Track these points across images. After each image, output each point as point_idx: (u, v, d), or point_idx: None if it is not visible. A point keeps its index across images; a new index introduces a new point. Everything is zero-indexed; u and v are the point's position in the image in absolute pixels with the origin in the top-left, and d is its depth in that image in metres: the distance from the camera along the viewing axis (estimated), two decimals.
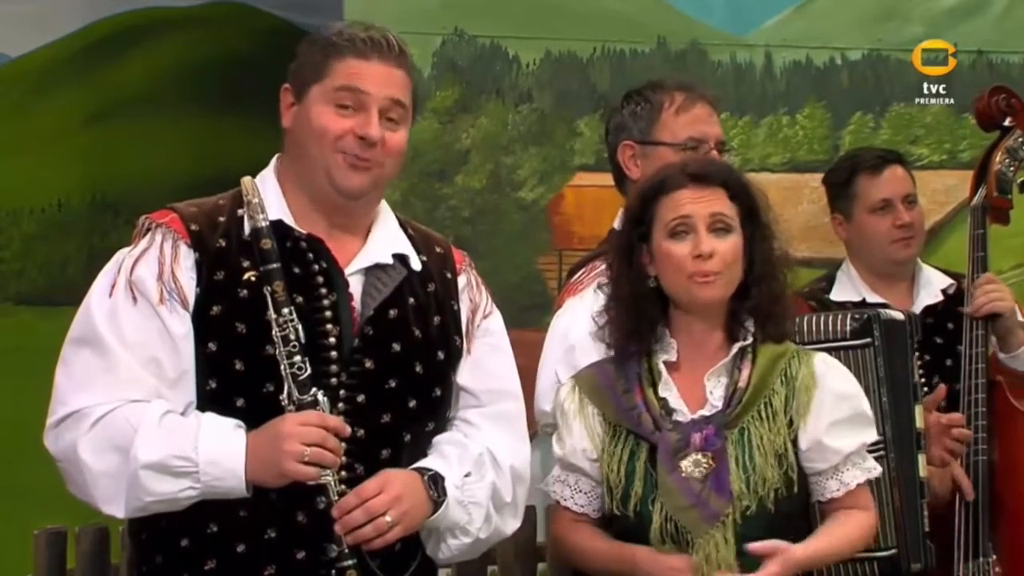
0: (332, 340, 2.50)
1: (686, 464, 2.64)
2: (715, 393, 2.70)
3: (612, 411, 2.73)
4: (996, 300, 3.43)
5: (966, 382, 3.43)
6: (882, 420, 2.98)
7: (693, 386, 2.71)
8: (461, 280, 2.70)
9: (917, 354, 3.29)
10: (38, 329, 5.21)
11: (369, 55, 2.53)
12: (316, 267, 2.53)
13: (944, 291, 3.64)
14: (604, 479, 2.72)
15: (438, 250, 2.70)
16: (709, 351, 2.73)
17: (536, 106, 4.75)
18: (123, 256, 2.56)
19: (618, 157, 3.27)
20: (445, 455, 2.57)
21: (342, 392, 2.50)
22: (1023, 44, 4.87)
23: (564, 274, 3.64)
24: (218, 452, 2.40)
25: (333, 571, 2.44)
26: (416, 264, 2.63)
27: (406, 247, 2.64)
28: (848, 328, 3.11)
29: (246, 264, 2.49)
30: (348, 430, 2.44)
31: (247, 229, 2.51)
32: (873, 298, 3.59)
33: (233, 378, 2.47)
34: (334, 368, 2.50)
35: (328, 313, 2.51)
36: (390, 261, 2.60)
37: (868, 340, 3.10)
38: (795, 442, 2.67)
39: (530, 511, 3.42)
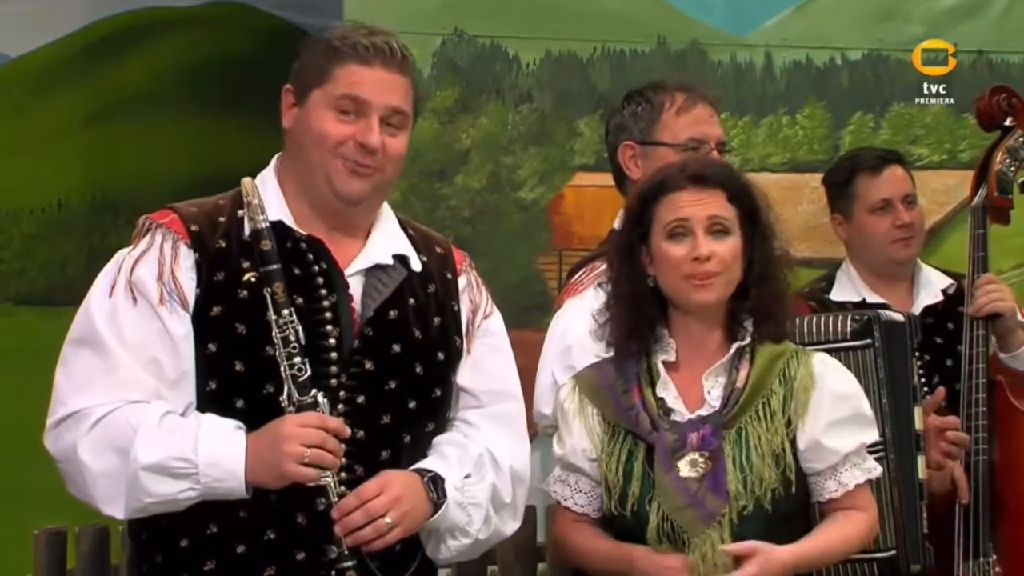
0: (332, 341, 2.50)
1: (683, 464, 2.64)
2: (713, 393, 2.70)
3: (611, 411, 2.73)
4: (997, 300, 3.43)
5: (966, 382, 3.43)
6: (882, 421, 2.98)
7: (691, 386, 2.71)
8: (461, 281, 2.70)
9: (917, 354, 3.29)
10: (38, 329, 5.21)
11: (371, 61, 2.52)
12: (316, 268, 2.53)
13: (944, 291, 3.64)
14: (603, 479, 2.72)
15: (438, 250, 2.70)
16: (708, 351, 2.73)
17: (536, 106, 4.75)
18: (123, 256, 2.56)
19: (618, 157, 3.27)
20: (445, 456, 2.57)
21: (342, 393, 2.49)
22: (1023, 44, 4.87)
23: (564, 274, 3.64)
24: (218, 453, 2.40)
25: (333, 572, 2.43)
26: (416, 265, 2.63)
27: (406, 248, 2.63)
28: (848, 329, 3.11)
29: (246, 265, 2.49)
30: (348, 431, 2.44)
31: (247, 230, 2.51)
32: (873, 298, 3.59)
33: (233, 379, 2.46)
34: (334, 369, 2.49)
35: (328, 314, 2.51)
36: (390, 262, 2.60)
37: (868, 341, 3.10)
38: (793, 442, 2.67)
39: (530, 511, 3.42)
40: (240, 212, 2.53)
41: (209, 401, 2.47)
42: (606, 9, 4.84)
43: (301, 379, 2.42)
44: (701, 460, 2.64)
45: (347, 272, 2.56)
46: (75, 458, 2.44)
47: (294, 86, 2.59)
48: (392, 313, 2.56)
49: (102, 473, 2.43)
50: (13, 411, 4.15)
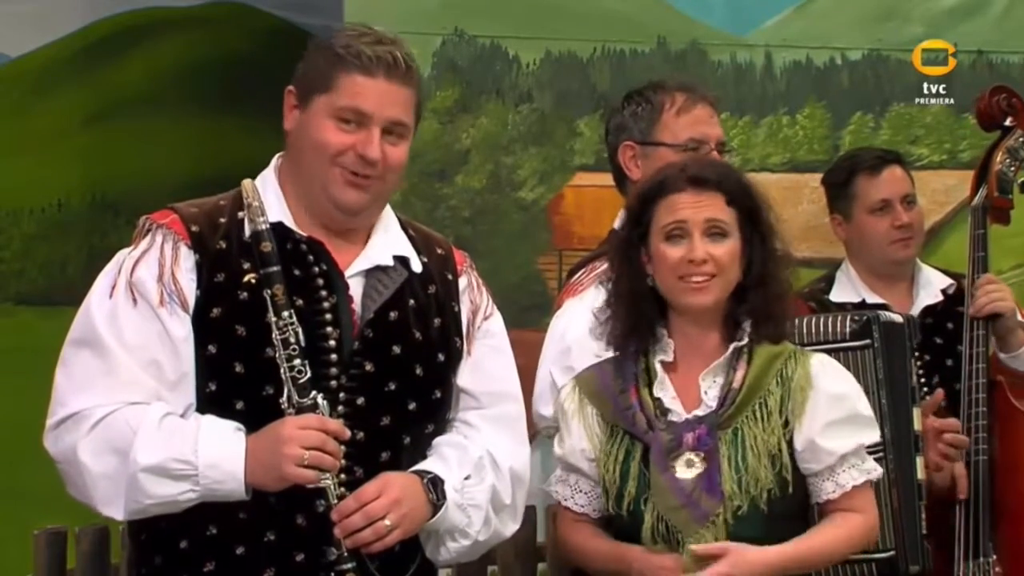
0: (332, 343, 2.50)
1: (679, 464, 2.64)
2: (710, 393, 2.70)
3: (609, 411, 2.74)
4: (997, 300, 3.44)
5: (967, 382, 3.43)
6: (881, 422, 2.98)
7: (689, 386, 2.72)
8: (462, 281, 2.69)
9: (916, 354, 3.29)
10: (38, 329, 5.20)
11: (375, 72, 2.51)
12: (316, 269, 2.53)
13: (944, 291, 3.64)
14: (600, 479, 2.72)
15: (439, 251, 2.70)
16: (706, 352, 2.73)
17: (536, 106, 4.75)
18: (123, 257, 2.56)
19: (618, 157, 3.27)
20: (445, 457, 2.57)
21: (342, 395, 2.49)
22: (1023, 44, 4.87)
23: (564, 274, 3.64)
24: (218, 455, 2.40)
25: (332, 573, 2.43)
26: (417, 266, 2.62)
27: (407, 249, 2.63)
28: (848, 329, 3.12)
29: (246, 266, 2.49)
30: (348, 433, 2.44)
31: (247, 231, 2.50)
32: (873, 299, 3.59)
33: (233, 380, 2.46)
34: (334, 371, 2.49)
35: (328, 316, 2.50)
36: (391, 263, 2.60)
37: (867, 342, 3.11)
38: (791, 443, 2.67)
39: (530, 511, 3.43)
40: (240, 213, 2.52)
41: (209, 402, 2.47)
42: (606, 9, 4.84)
43: (301, 381, 2.42)
44: (697, 460, 2.64)
45: (347, 273, 2.56)
46: (75, 459, 2.44)
47: (297, 88, 2.58)
48: (392, 314, 2.56)
49: (102, 474, 2.43)
50: (13, 411, 4.15)
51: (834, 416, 2.69)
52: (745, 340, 2.72)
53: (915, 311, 3.54)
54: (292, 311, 2.44)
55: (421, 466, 2.54)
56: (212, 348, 2.47)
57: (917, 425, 3.18)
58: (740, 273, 2.72)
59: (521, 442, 2.69)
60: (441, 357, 2.61)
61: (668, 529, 2.63)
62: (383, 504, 2.42)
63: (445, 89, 4.68)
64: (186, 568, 2.49)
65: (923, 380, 3.43)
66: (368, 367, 2.52)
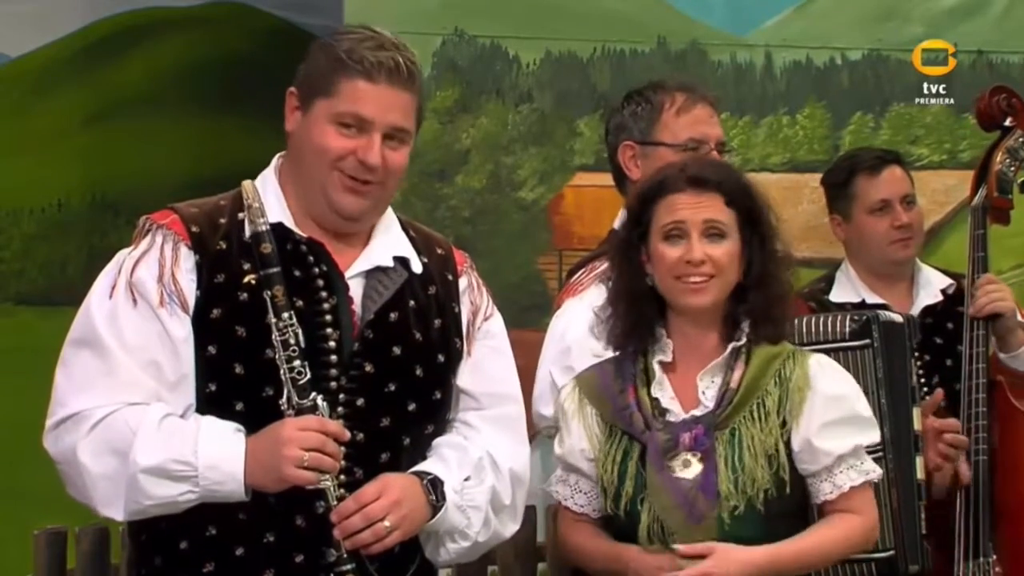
0: (332, 344, 2.49)
1: (675, 464, 2.64)
2: (707, 393, 2.70)
3: (608, 411, 2.74)
4: (997, 300, 3.44)
5: (967, 382, 3.43)
6: (880, 422, 2.98)
7: (687, 386, 2.72)
8: (462, 282, 2.69)
9: (916, 354, 3.29)
10: (38, 329, 5.20)
11: (377, 79, 2.50)
12: (316, 270, 2.53)
13: (944, 291, 3.64)
14: (599, 479, 2.73)
15: (439, 252, 2.70)
16: (704, 352, 2.73)
17: (536, 106, 4.75)
18: (123, 257, 2.55)
19: (618, 157, 3.27)
20: (445, 459, 2.57)
21: (342, 396, 2.49)
22: (1023, 44, 4.87)
23: (564, 274, 3.64)
24: (217, 456, 2.40)
25: (332, 574, 2.43)
26: (417, 267, 2.62)
27: (407, 250, 2.63)
28: (847, 329, 3.12)
29: (246, 267, 2.49)
30: (347, 435, 2.43)
31: (247, 232, 2.50)
32: (872, 299, 3.59)
33: (233, 382, 2.46)
34: (334, 372, 2.49)
35: (328, 317, 2.50)
36: (391, 264, 2.59)
37: (867, 341, 3.11)
38: (788, 443, 2.67)
39: (530, 511, 3.42)
40: (240, 214, 2.52)
41: (209, 403, 2.47)
42: (606, 9, 4.84)
43: (301, 382, 2.42)
44: (693, 460, 2.64)
45: (347, 274, 2.55)
46: (74, 460, 2.44)
47: (299, 90, 2.57)
48: (392, 315, 2.56)
49: (101, 475, 2.42)
50: (13, 411, 4.15)
51: (831, 417, 2.68)
52: (743, 340, 2.71)
53: (915, 311, 3.54)
54: (292, 312, 2.44)
55: (421, 467, 2.54)
56: (212, 349, 2.47)
57: (917, 425, 3.18)
58: (740, 274, 2.72)
59: (521, 443, 2.69)
60: (441, 358, 2.61)
61: (663, 529, 2.63)
62: (383, 505, 2.42)
63: (445, 89, 4.68)
64: (186, 569, 2.49)
65: (923, 380, 3.43)
66: (368, 368, 2.52)
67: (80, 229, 5.44)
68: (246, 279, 2.48)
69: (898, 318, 3.23)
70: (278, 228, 2.52)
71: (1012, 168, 3.61)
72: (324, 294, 2.52)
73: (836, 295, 3.65)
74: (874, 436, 2.76)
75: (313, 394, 2.42)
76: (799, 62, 4.85)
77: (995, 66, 4.84)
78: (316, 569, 2.45)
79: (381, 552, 2.45)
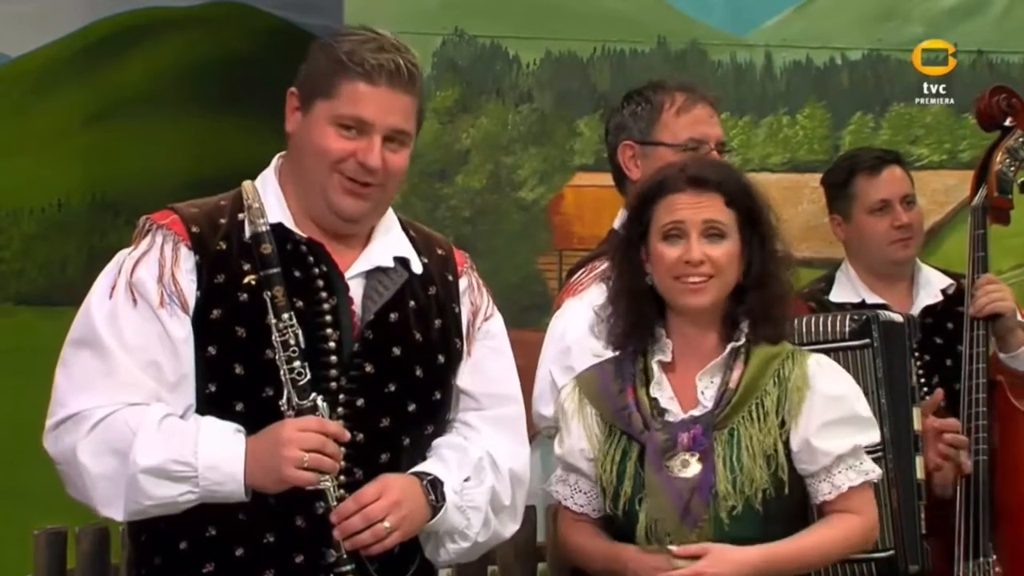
0: (332, 345, 2.49)
1: (674, 464, 2.64)
2: (706, 393, 2.70)
3: (608, 411, 2.74)
4: (998, 300, 3.44)
5: (967, 382, 3.43)
6: (880, 421, 2.98)
7: (687, 386, 2.72)
8: (462, 282, 2.69)
9: (916, 354, 3.29)
10: (38, 329, 5.21)
11: (377, 81, 2.49)
12: (316, 271, 2.52)
13: (943, 291, 3.64)
14: (598, 479, 2.73)
15: (439, 252, 2.69)
16: (703, 352, 2.73)
17: (536, 106, 4.75)
18: (123, 257, 2.55)
19: (618, 157, 3.27)
20: (444, 459, 2.57)
21: (341, 396, 2.49)
22: (1023, 44, 4.87)
23: (564, 274, 3.64)
24: (217, 457, 2.40)
25: (332, 575, 2.43)
26: (417, 267, 2.62)
27: (407, 250, 2.63)
28: (847, 329, 3.12)
29: (246, 267, 2.48)
30: (347, 435, 2.43)
31: (247, 232, 2.50)
32: (872, 299, 3.59)
33: (233, 382, 2.46)
34: (334, 372, 2.49)
35: (328, 317, 2.50)
36: (391, 264, 2.59)
37: (867, 341, 3.11)
38: (787, 443, 2.66)
39: (530, 511, 3.42)
40: (241, 215, 2.52)
41: (208, 404, 2.46)
42: (606, 9, 4.84)
43: (300, 383, 2.41)
44: (692, 460, 2.64)
45: (347, 275, 2.55)
46: (74, 460, 2.44)
47: (299, 91, 2.57)
48: (393, 316, 2.56)
49: (101, 475, 2.42)
50: (13, 411, 4.15)
51: (830, 417, 2.68)
52: (742, 340, 2.71)
53: (915, 311, 3.54)
54: (292, 313, 2.43)
55: (421, 468, 2.54)
56: (212, 349, 2.47)
57: (917, 425, 3.18)
58: (739, 274, 2.72)
59: (521, 443, 2.69)
60: (441, 358, 2.60)
61: (660, 529, 2.63)
62: (382, 506, 2.42)
63: (445, 89, 4.68)
64: (185, 569, 2.49)
65: (923, 380, 3.43)
66: (368, 368, 2.51)
67: (80, 229, 5.45)
68: (246, 279, 2.48)
69: (898, 318, 3.23)
70: (278, 228, 2.52)
71: (1012, 168, 3.61)
72: (324, 294, 2.51)
73: (836, 295, 3.65)
74: (873, 436, 2.76)
75: (313, 395, 2.42)
76: (799, 62, 4.85)
77: (995, 66, 4.84)
78: (316, 569, 2.45)
79: (381, 552, 2.45)
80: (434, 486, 2.50)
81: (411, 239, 2.66)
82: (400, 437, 2.54)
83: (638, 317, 2.75)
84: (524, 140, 4.73)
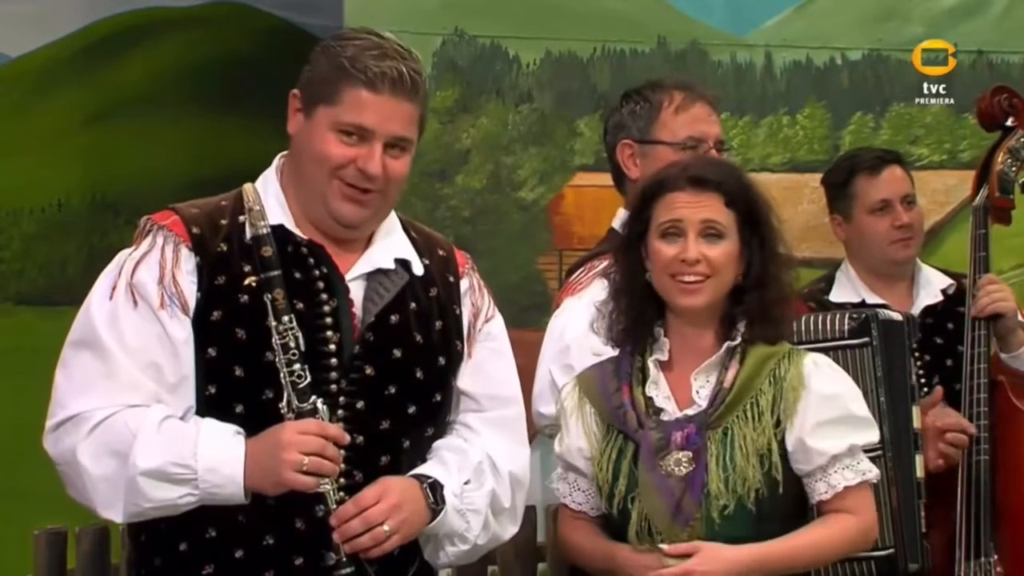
0: (332, 347, 2.49)
1: (668, 463, 2.64)
2: (701, 393, 2.70)
3: (605, 410, 2.74)
4: (999, 300, 3.44)
5: (968, 382, 3.43)
6: (880, 420, 2.98)
7: (683, 385, 2.72)
8: (463, 284, 2.69)
9: (917, 354, 3.29)
10: (38, 329, 5.21)
11: (380, 89, 2.49)
12: (317, 273, 2.52)
13: (944, 291, 3.64)
14: (595, 477, 2.73)
15: (440, 253, 2.69)
16: (701, 351, 2.73)
17: (536, 106, 4.75)
18: (124, 258, 2.55)
19: (617, 156, 3.27)
20: (445, 462, 2.56)
21: (342, 399, 2.49)
22: (1023, 44, 4.87)
23: (564, 274, 3.64)
24: (217, 459, 2.40)
25: None
26: (418, 268, 2.62)
27: (408, 251, 2.62)
28: (846, 327, 3.12)
29: (247, 269, 2.48)
30: (347, 438, 2.43)
31: (248, 234, 2.50)
32: (872, 299, 3.59)
33: (233, 384, 2.46)
34: (334, 375, 2.49)
35: (328, 319, 2.50)
36: (392, 266, 2.59)
37: (866, 340, 3.11)
38: (782, 443, 2.66)
39: (530, 511, 3.42)
40: (241, 217, 2.51)
41: (209, 405, 2.46)
42: (606, 9, 4.84)
43: (300, 386, 2.41)
44: (685, 460, 2.64)
45: (348, 276, 2.55)
46: (74, 461, 2.44)
47: (302, 94, 2.56)
48: (393, 318, 2.55)
49: (101, 477, 2.42)
50: (13, 411, 4.15)
51: (825, 416, 2.67)
52: (738, 340, 2.71)
53: (915, 311, 3.54)
54: (292, 315, 2.43)
55: (421, 470, 2.53)
56: (212, 351, 2.47)
57: (916, 423, 3.19)
58: (739, 275, 2.72)
59: (521, 444, 2.69)
60: (442, 360, 2.60)
61: (651, 528, 2.64)
62: (382, 509, 2.42)
63: (445, 89, 4.68)
64: (185, 570, 2.49)
65: (923, 380, 3.43)
66: (368, 371, 2.51)
67: (80, 229, 5.44)
68: (246, 281, 2.47)
69: (897, 316, 3.23)
70: (279, 230, 2.51)
71: (1013, 168, 3.61)
72: (324, 296, 2.51)
73: (836, 295, 3.65)
74: (871, 436, 2.75)
75: (313, 397, 2.42)
76: (799, 62, 4.85)
77: (995, 66, 4.84)
78: (315, 572, 2.45)
79: (380, 555, 2.44)
80: (434, 489, 2.50)
81: (412, 240, 2.66)
82: (400, 439, 2.54)
83: (638, 315, 2.75)
84: (524, 140, 4.73)
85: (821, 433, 2.66)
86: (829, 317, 3.16)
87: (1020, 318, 3.50)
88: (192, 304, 2.48)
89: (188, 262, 2.50)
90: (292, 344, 2.42)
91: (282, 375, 2.42)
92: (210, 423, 2.44)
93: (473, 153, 4.70)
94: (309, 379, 2.42)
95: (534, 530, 3.60)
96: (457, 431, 2.64)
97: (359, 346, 2.51)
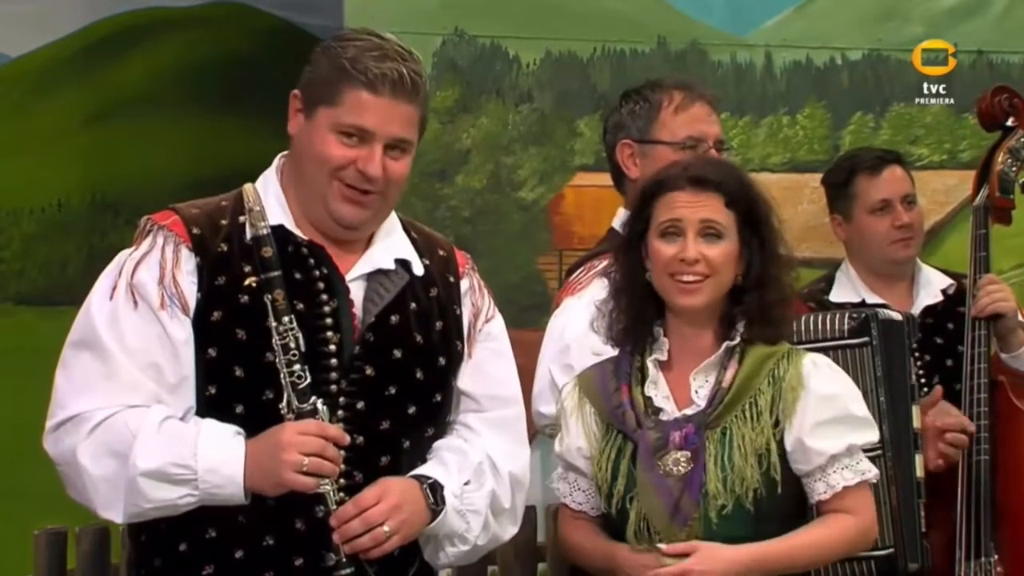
0: (332, 347, 2.49)
1: (666, 462, 2.64)
2: (700, 392, 2.70)
3: (605, 410, 2.74)
4: (999, 300, 3.44)
5: (968, 382, 3.43)
6: (880, 420, 2.98)
7: (682, 385, 2.72)
8: (464, 284, 2.69)
9: (917, 354, 3.29)
10: (38, 329, 5.21)
11: (380, 90, 2.49)
12: (317, 273, 2.52)
13: (944, 291, 3.64)
14: (594, 476, 2.73)
15: (441, 253, 2.69)
16: (700, 351, 2.73)
17: (536, 106, 4.75)
18: (124, 258, 2.55)
19: (616, 156, 3.27)
20: (445, 462, 2.56)
21: (342, 399, 2.49)
22: (1023, 44, 4.87)
23: (564, 274, 3.64)
24: (217, 460, 2.40)
25: None
26: (418, 269, 2.62)
27: (409, 252, 2.63)
28: (846, 327, 3.12)
29: (247, 269, 2.48)
30: (347, 439, 2.43)
31: (248, 235, 2.49)
32: (872, 299, 3.59)
33: (233, 385, 2.46)
34: (334, 375, 2.49)
35: (328, 320, 2.50)
36: (392, 266, 2.59)
37: (866, 339, 3.11)
38: (781, 443, 2.66)
39: (530, 511, 3.42)
40: (241, 217, 2.51)
41: (209, 406, 2.46)
42: (606, 9, 4.84)
43: (301, 386, 2.41)
44: (683, 459, 2.64)
45: (348, 277, 2.55)
46: (74, 462, 2.44)
47: (302, 94, 2.56)
48: (394, 318, 2.55)
49: (101, 477, 2.42)
50: (13, 411, 4.15)
51: (824, 416, 2.67)
52: (737, 340, 2.71)
53: (915, 311, 3.54)
54: (292, 316, 2.43)
55: (421, 471, 2.54)
56: (212, 351, 2.47)
57: (916, 423, 3.19)
58: (738, 275, 2.72)
59: (521, 445, 2.69)
60: (442, 361, 2.60)
61: (649, 528, 2.64)
62: (382, 510, 2.42)
63: (445, 89, 4.67)
64: (185, 570, 2.49)
65: (923, 380, 3.43)
66: (368, 371, 2.51)
67: (80, 229, 5.45)
68: (247, 281, 2.47)
69: (897, 316, 3.23)
70: (279, 230, 2.51)
71: (1014, 168, 3.61)
72: (324, 297, 2.51)
73: (836, 295, 3.65)
74: (870, 436, 2.75)
75: (313, 398, 2.42)
76: (799, 62, 4.85)
77: (995, 66, 4.84)
78: (315, 572, 2.45)
79: (380, 556, 2.44)
80: (434, 490, 2.50)
81: (412, 240, 2.66)
82: (400, 440, 2.54)
83: (638, 314, 2.75)
84: (524, 140, 4.73)
85: (820, 433, 2.66)
86: (829, 317, 3.16)
87: (1020, 318, 3.50)
88: (192, 304, 2.48)
89: (188, 262, 2.50)
90: (292, 345, 2.42)
91: (282, 376, 2.42)
92: (210, 424, 2.44)
93: (473, 153, 4.70)
94: (309, 380, 2.42)
95: (534, 530, 3.60)
96: (457, 431, 2.64)
97: (359, 346, 2.51)
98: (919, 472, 3.16)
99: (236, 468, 2.40)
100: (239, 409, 2.46)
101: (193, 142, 5.41)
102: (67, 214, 5.47)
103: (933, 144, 4.84)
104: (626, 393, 2.72)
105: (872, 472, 2.73)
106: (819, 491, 2.68)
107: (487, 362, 2.67)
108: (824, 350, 2.90)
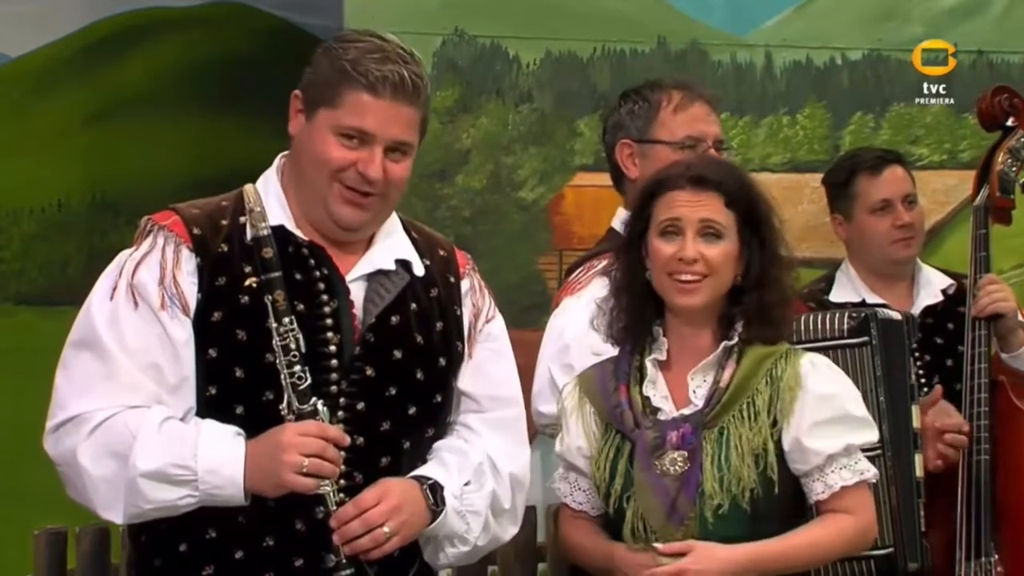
0: (332, 348, 2.49)
1: (663, 462, 2.64)
2: (698, 392, 2.70)
3: (604, 409, 2.74)
4: (999, 300, 3.44)
5: (968, 382, 3.43)
6: (879, 419, 2.98)
7: (680, 385, 2.72)
8: (464, 284, 2.69)
9: (917, 354, 3.29)
10: (38, 329, 5.21)
11: (381, 93, 2.48)
12: (317, 274, 2.52)
13: (944, 291, 3.64)
14: (593, 476, 2.73)
15: (441, 253, 2.69)
16: (698, 351, 2.73)
17: (536, 106, 4.74)
18: (124, 258, 2.55)
19: (616, 156, 3.27)
20: (445, 463, 2.56)
21: (342, 400, 2.49)
22: (1023, 44, 4.87)
23: (564, 274, 3.64)
24: (217, 460, 2.40)
25: None
26: (419, 269, 2.61)
27: (409, 252, 2.62)
28: (846, 327, 3.12)
29: (248, 270, 2.48)
30: (347, 440, 2.43)
31: (249, 235, 2.49)
32: (873, 299, 3.59)
33: (233, 385, 2.46)
34: (334, 376, 2.49)
35: (329, 321, 2.50)
36: (392, 267, 2.59)
37: (866, 339, 3.11)
38: (779, 443, 2.66)
39: (530, 512, 3.42)
40: (242, 218, 2.51)
41: (209, 407, 2.46)
42: (606, 9, 4.84)
43: (301, 387, 2.41)
44: (680, 459, 2.64)
45: (348, 277, 2.55)
46: (74, 462, 2.44)
47: (303, 95, 2.55)
48: (394, 319, 2.55)
49: (101, 478, 2.42)
50: (13, 411, 4.15)
51: (822, 416, 2.67)
52: (735, 340, 2.71)
53: (915, 311, 3.54)
54: (293, 317, 2.43)
55: (421, 471, 2.53)
56: (212, 352, 2.47)
57: (916, 423, 3.19)
58: (738, 275, 2.72)
59: (521, 445, 2.69)
60: (442, 361, 2.60)
61: (646, 527, 2.64)
62: (382, 511, 2.42)
63: (445, 89, 4.67)
64: (185, 571, 2.49)
65: (923, 380, 3.43)
66: (369, 372, 2.51)
67: (80, 229, 5.45)
68: (247, 282, 2.47)
69: (896, 315, 3.23)
70: (279, 231, 2.51)
71: (1014, 168, 3.61)
72: (325, 297, 2.51)
73: (836, 295, 3.65)
74: (869, 436, 2.74)
75: (313, 399, 2.42)
76: (799, 62, 4.85)
77: (995, 66, 4.84)
78: (315, 573, 2.45)
79: (380, 557, 2.44)
80: (434, 490, 2.50)
81: (413, 241, 2.66)
82: (400, 440, 2.54)
83: (638, 313, 2.75)
84: (524, 140, 4.73)
85: (817, 433, 2.66)
86: (829, 316, 3.16)
87: (1020, 318, 3.50)
88: (193, 305, 2.48)
89: (189, 263, 2.50)
90: (292, 345, 2.41)
91: (282, 376, 2.41)
92: (210, 424, 2.44)
93: (473, 153, 4.70)
94: (309, 380, 2.42)
95: (534, 530, 3.60)
96: (457, 432, 2.64)
97: (359, 347, 2.51)
98: (919, 472, 3.16)
99: (236, 469, 2.39)
100: (239, 410, 2.46)
101: (193, 142, 5.41)
102: (67, 214, 5.47)
103: (933, 144, 4.84)
104: (624, 393, 2.72)
105: (871, 472, 2.72)
106: (817, 491, 2.68)
107: (487, 362, 2.67)
108: (824, 350, 2.90)
